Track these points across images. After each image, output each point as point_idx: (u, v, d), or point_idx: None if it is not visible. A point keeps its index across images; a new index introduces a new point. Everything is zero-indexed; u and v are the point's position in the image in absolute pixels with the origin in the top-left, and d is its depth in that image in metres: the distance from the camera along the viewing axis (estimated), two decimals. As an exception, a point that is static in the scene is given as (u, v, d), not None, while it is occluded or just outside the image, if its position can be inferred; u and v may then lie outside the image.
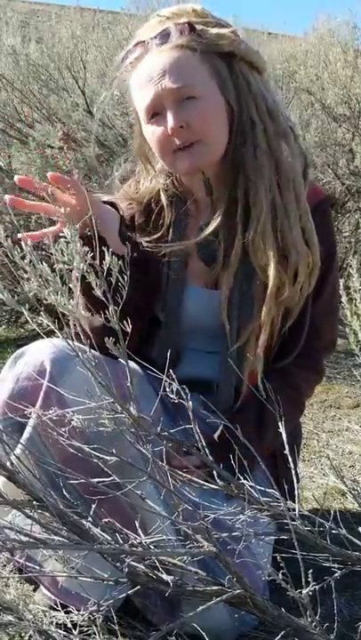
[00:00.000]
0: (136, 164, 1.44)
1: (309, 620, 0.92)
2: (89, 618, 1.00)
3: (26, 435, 1.17)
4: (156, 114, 1.26)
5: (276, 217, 1.26)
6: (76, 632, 1.00)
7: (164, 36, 1.24)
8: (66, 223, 1.06)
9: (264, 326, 1.27)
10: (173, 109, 1.23)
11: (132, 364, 1.23)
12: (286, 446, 0.97)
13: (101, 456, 0.95)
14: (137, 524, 1.00)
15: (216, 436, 1.28)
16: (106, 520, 0.94)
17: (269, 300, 1.26)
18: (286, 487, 1.16)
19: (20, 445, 1.14)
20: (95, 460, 0.97)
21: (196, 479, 0.98)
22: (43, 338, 1.17)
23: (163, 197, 1.36)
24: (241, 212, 1.28)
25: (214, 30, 1.24)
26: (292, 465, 1.00)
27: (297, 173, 1.29)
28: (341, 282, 1.03)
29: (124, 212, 1.35)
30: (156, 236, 1.35)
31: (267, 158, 1.27)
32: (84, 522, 0.93)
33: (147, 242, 1.34)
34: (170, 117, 1.23)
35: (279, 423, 0.97)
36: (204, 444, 0.96)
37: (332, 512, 0.95)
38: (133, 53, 1.27)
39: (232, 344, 1.29)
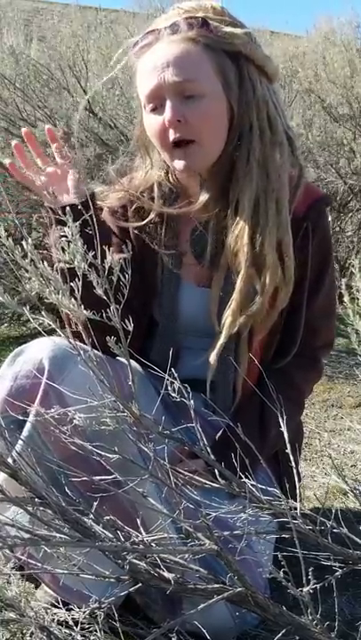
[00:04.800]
0: (133, 159, 1.43)
1: (310, 618, 0.92)
2: (90, 615, 1.00)
3: (25, 432, 1.17)
4: (156, 104, 1.25)
5: (256, 224, 1.25)
6: (77, 629, 1.00)
7: (175, 27, 1.23)
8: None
9: (224, 331, 1.26)
10: (173, 102, 1.22)
11: (133, 363, 1.23)
12: (288, 445, 0.97)
13: (103, 454, 0.96)
14: (138, 522, 1.01)
15: (218, 436, 1.28)
16: (107, 518, 0.94)
17: (233, 304, 1.25)
18: (288, 486, 1.16)
19: (20, 442, 1.15)
20: (96, 458, 0.97)
21: (197, 477, 0.98)
22: (44, 336, 1.18)
23: (156, 192, 1.35)
24: (231, 214, 1.27)
25: (227, 29, 1.23)
26: (293, 464, 1.00)
27: (283, 185, 1.27)
28: (344, 281, 1.03)
29: (114, 201, 1.37)
30: (147, 232, 1.35)
31: (257, 165, 1.25)
32: (86, 519, 0.93)
33: (139, 237, 1.34)
34: (168, 109, 1.22)
35: (280, 422, 0.97)
36: (205, 442, 0.96)
37: (333, 511, 0.96)
38: (144, 40, 1.26)
39: (216, 344, 1.29)
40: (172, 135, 1.24)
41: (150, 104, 1.26)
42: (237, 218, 1.26)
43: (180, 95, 1.22)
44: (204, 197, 1.31)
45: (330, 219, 1.50)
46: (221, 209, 1.29)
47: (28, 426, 1.17)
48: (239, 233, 1.25)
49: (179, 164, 1.27)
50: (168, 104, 1.23)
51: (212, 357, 1.27)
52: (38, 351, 1.22)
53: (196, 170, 1.29)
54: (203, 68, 1.23)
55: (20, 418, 1.15)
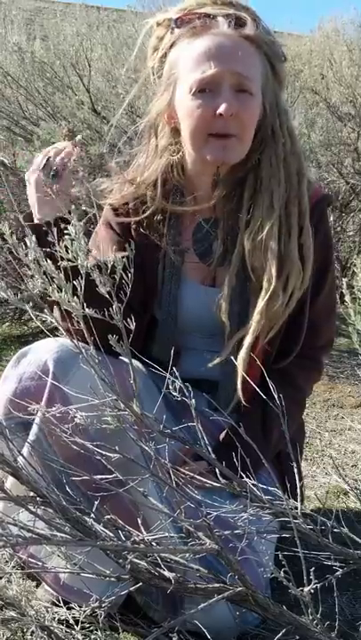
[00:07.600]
0: (133, 154, 1.41)
1: (311, 618, 0.92)
2: (91, 614, 1.00)
3: (32, 436, 1.17)
4: (204, 90, 1.25)
5: (280, 227, 1.27)
6: (77, 628, 1.00)
7: (241, 21, 1.26)
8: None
9: (252, 330, 1.26)
10: (231, 94, 1.23)
11: (135, 362, 1.23)
12: (289, 445, 0.97)
13: (104, 453, 0.96)
14: (139, 522, 1.01)
15: (221, 437, 1.28)
16: (108, 517, 0.94)
17: (263, 303, 1.25)
18: (289, 486, 1.16)
19: (27, 445, 1.14)
20: (98, 458, 0.97)
21: (198, 477, 0.98)
22: (47, 335, 1.17)
23: (159, 189, 1.34)
24: (246, 212, 1.28)
25: (272, 38, 1.29)
26: (295, 464, 1.00)
27: (303, 192, 1.30)
28: (345, 281, 1.03)
29: (117, 199, 1.36)
30: (149, 229, 1.34)
31: (281, 169, 1.28)
32: (87, 518, 0.93)
33: (141, 235, 1.33)
34: (226, 101, 1.23)
35: (282, 423, 0.97)
36: (207, 442, 0.96)
37: (334, 511, 0.96)
38: (197, 22, 1.27)
39: (230, 344, 1.29)
40: (221, 127, 1.24)
41: (199, 88, 1.25)
42: (257, 216, 1.27)
43: (235, 88, 1.24)
44: (217, 194, 1.31)
45: (331, 218, 1.51)
46: (231, 208, 1.30)
47: (34, 428, 1.17)
48: (267, 234, 1.26)
49: (213, 154, 1.27)
50: (226, 95, 1.23)
51: (241, 356, 1.26)
52: (43, 352, 1.21)
53: (229, 163, 1.29)
54: (256, 69, 1.27)
55: (25, 417, 1.15)
